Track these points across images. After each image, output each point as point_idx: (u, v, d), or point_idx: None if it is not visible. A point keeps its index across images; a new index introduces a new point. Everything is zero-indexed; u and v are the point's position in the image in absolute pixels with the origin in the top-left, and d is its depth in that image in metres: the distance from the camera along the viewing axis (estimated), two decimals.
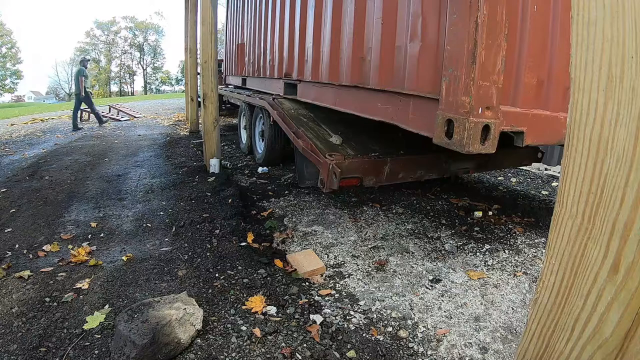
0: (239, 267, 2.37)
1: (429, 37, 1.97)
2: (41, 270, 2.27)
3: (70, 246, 2.59)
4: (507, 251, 2.76)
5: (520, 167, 5.54)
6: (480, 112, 1.70)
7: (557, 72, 2.07)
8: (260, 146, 5.05)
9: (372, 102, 2.46)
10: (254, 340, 1.73)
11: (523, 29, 1.93)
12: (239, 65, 6.47)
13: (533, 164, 5.62)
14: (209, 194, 3.69)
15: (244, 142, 5.76)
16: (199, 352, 1.63)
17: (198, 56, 7.49)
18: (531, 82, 2.00)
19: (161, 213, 3.27)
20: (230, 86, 7.67)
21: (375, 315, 2.00)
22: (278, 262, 2.46)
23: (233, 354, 1.64)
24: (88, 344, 1.68)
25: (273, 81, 4.47)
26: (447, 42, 1.76)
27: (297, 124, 3.29)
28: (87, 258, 2.43)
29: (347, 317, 1.96)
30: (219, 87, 6.43)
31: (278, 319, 1.90)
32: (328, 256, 2.63)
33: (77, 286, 2.11)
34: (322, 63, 3.12)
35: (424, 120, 2.00)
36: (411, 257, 2.65)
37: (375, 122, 2.48)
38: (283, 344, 1.72)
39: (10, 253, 2.50)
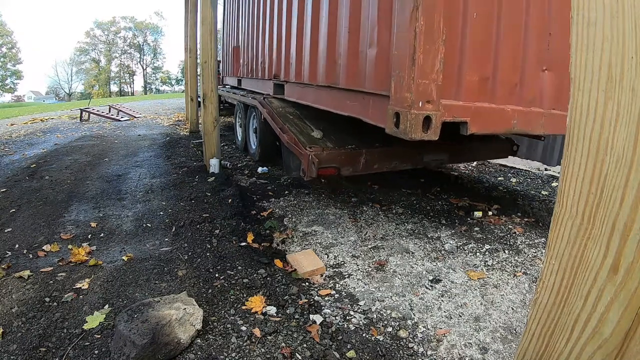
0: (239, 267, 2.37)
1: (382, 44, 2.26)
2: (41, 270, 2.27)
3: (70, 246, 2.59)
4: (507, 251, 2.76)
5: (520, 168, 5.54)
6: (420, 105, 1.98)
7: (502, 70, 2.36)
8: (254, 142, 5.34)
9: (343, 100, 2.77)
10: (253, 340, 1.73)
11: (464, 34, 2.18)
12: (234, 66, 6.85)
13: (532, 163, 5.65)
14: (209, 194, 3.69)
15: (239, 138, 6.11)
16: (199, 352, 1.63)
17: (198, 56, 7.50)
18: (473, 79, 2.27)
19: (161, 213, 3.26)
20: (227, 86, 7.88)
21: (375, 315, 2.00)
22: (278, 262, 2.46)
23: (233, 354, 1.64)
24: (88, 344, 1.68)
25: (264, 82, 4.81)
26: (395, 48, 2.06)
27: (283, 121, 3.56)
28: (87, 258, 2.42)
29: (347, 317, 1.96)
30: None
31: (278, 319, 1.90)
32: (328, 256, 2.63)
33: (77, 286, 2.11)
34: (303, 66, 3.43)
35: (380, 114, 2.29)
36: (411, 257, 2.65)
37: (355, 118, 2.66)
38: (283, 344, 1.72)
39: (10, 253, 2.50)
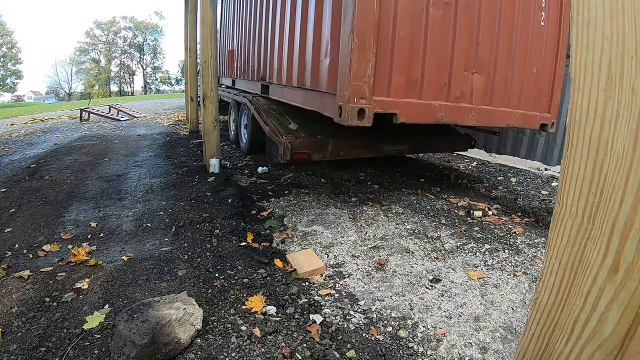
0: (239, 267, 2.37)
1: (333, 56, 2.92)
2: (41, 270, 2.27)
3: (70, 246, 2.59)
4: (507, 251, 2.76)
5: (520, 167, 5.54)
6: (355, 100, 2.64)
7: (430, 73, 2.98)
8: (244, 136, 5.87)
9: (309, 97, 3.47)
10: (253, 340, 1.73)
11: (393, 47, 2.78)
12: (229, 68, 7.45)
13: (532, 163, 5.65)
14: (209, 194, 3.69)
15: (232, 133, 6.72)
16: (199, 352, 1.63)
17: (198, 56, 7.53)
18: (401, 81, 2.87)
19: (161, 213, 3.26)
20: (222, 86, 8.19)
21: (375, 315, 2.00)
22: (278, 262, 2.46)
23: (233, 354, 1.64)
24: (88, 343, 1.68)
25: (254, 83, 5.44)
26: (339, 59, 2.73)
27: (267, 115, 4.21)
28: (87, 258, 2.42)
29: (347, 317, 1.96)
30: None
31: (278, 318, 1.90)
32: (328, 256, 2.63)
33: (77, 286, 2.11)
34: (283, 70, 4.10)
35: (331, 107, 2.89)
36: (411, 257, 2.65)
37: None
38: (283, 343, 1.72)
39: (10, 253, 2.49)
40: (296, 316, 1.94)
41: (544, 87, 3.85)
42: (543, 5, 3.59)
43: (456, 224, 3.24)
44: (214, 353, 1.63)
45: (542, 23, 3.62)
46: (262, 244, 2.74)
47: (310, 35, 3.38)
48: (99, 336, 1.72)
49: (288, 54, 3.94)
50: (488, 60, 3.30)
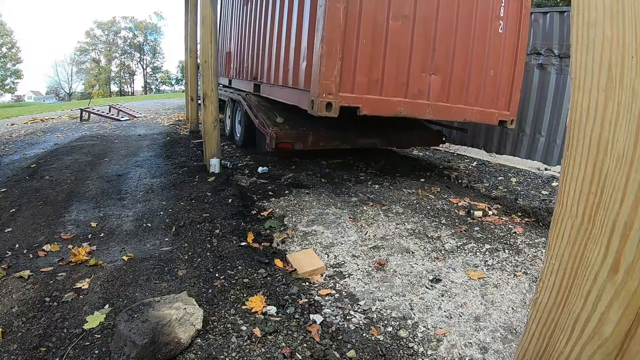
0: (239, 267, 2.37)
1: (309, 60, 3.52)
2: (41, 270, 2.27)
3: (70, 246, 2.59)
4: (507, 251, 2.76)
5: (520, 167, 5.54)
6: (324, 96, 3.27)
7: (389, 74, 3.58)
8: (239, 131, 6.34)
9: (291, 95, 4.08)
10: (254, 340, 1.73)
11: (357, 52, 3.38)
12: (226, 68, 8.07)
13: (532, 163, 5.66)
14: (209, 194, 3.69)
15: (228, 128, 7.21)
16: (199, 352, 1.63)
17: (198, 56, 7.55)
18: (363, 80, 3.48)
19: (161, 213, 3.26)
20: (220, 85, 8.29)
21: (375, 315, 2.00)
22: (278, 262, 2.46)
23: (233, 354, 1.64)
24: (88, 343, 1.68)
25: (247, 82, 6.04)
26: (313, 63, 3.36)
27: (257, 110, 4.79)
28: (87, 258, 2.42)
29: (347, 317, 1.96)
30: None
31: (278, 318, 1.90)
32: (328, 256, 2.63)
33: (77, 286, 2.11)
34: (271, 71, 4.76)
35: (307, 102, 3.48)
36: (411, 256, 2.65)
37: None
38: (283, 343, 1.72)
39: (10, 253, 2.50)
40: (296, 316, 1.94)
41: (502, 87, 4.27)
42: (502, 15, 4.03)
43: (456, 224, 3.24)
44: (214, 353, 1.63)
45: (500, 31, 4.09)
46: (262, 244, 2.74)
47: (293, 43, 3.97)
48: (99, 336, 1.72)
49: (276, 57, 4.51)
50: (444, 64, 3.82)
